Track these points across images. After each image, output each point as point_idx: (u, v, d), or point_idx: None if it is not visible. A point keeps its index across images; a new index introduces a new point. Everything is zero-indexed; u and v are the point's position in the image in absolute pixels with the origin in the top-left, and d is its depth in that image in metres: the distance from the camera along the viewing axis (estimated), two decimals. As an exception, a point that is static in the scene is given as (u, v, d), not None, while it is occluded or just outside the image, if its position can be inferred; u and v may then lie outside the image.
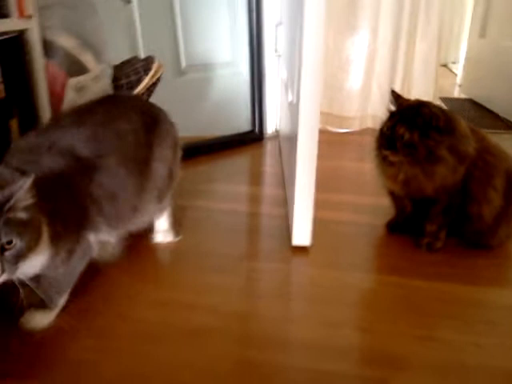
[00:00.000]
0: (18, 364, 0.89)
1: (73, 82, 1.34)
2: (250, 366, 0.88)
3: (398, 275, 1.19)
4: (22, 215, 0.79)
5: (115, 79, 1.47)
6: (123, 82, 1.48)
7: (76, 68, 1.37)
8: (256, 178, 1.91)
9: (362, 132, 2.37)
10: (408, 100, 1.24)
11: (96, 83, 1.41)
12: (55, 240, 0.89)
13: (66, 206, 0.95)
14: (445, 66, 4.50)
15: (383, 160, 1.23)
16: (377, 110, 2.38)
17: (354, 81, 2.38)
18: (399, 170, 1.22)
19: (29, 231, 0.80)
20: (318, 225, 1.31)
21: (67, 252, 0.94)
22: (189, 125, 2.15)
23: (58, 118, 1.15)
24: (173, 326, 0.98)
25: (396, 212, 1.41)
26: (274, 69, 2.22)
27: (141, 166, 1.11)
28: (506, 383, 0.88)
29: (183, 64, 2.17)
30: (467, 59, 3.55)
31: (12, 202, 0.76)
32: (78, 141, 0.99)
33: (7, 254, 0.77)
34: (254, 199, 1.68)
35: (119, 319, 1.01)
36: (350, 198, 1.65)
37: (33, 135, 0.99)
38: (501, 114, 2.80)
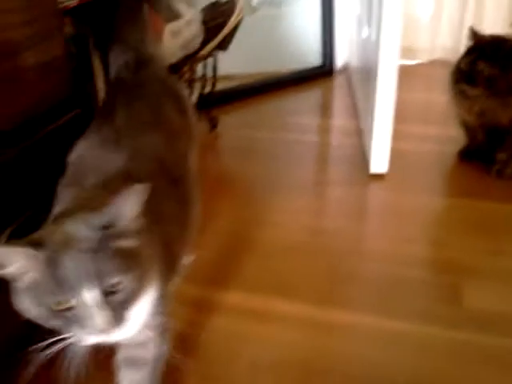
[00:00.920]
0: None
1: (169, 27, 1.47)
2: (337, 272, 1.05)
3: (468, 198, 1.31)
4: (130, 242, 0.55)
5: (204, 22, 1.60)
6: (211, 25, 1.60)
7: (171, 14, 1.49)
8: (327, 110, 2.03)
9: (431, 63, 2.38)
10: (484, 36, 1.30)
11: (188, 27, 1.54)
12: (163, 274, 0.64)
13: (171, 226, 0.73)
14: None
15: (460, 94, 1.32)
16: (446, 41, 2.37)
17: (423, 11, 2.37)
18: (475, 102, 1.30)
19: (139, 264, 0.56)
20: (394, 153, 1.42)
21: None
22: (261, 61, 2.26)
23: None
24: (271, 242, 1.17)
25: (468, 141, 1.50)
26: (344, 2, 2.25)
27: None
28: None
29: (254, 0, 2.24)
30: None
31: (117, 224, 0.54)
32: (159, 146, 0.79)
33: (114, 299, 0.53)
34: (327, 130, 1.81)
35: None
36: (419, 128, 1.74)
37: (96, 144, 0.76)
38: None
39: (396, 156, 1.49)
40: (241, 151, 1.62)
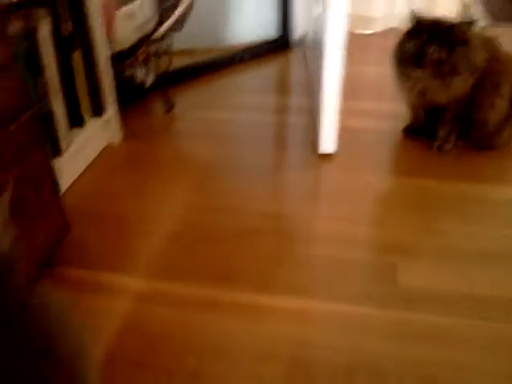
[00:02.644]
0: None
1: (123, 10, 1.47)
2: (285, 257, 1.13)
3: (411, 176, 1.39)
4: None
5: (157, 3, 1.60)
6: (164, 6, 1.60)
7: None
8: (283, 87, 2.06)
9: (386, 33, 2.42)
10: (425, 18, 1.34)
11: (142, 10, 1.53)
12: None
13: None
14: None
15: (404, 74, 1.37)
16: (402, 10, 2.40)
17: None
18: (417, 83, 1.36)
19: None
20: (342, 131, 1.48)
21: None
22: (214, 35, 2.27)
23: None
24: (224, 228, 1.23)
25: (412, 118, 1.56)
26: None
27: None
28: (495, 263, 1.10)
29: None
30: None
31: None
32: None
33: None
34: (281, 109, 1.84)
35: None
36: (371, 104, 1.80)
37: None
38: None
39: (346, 134, 1.56)
40: (196, 134, 1.65)
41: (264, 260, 1.10)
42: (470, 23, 1.29)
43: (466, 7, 2.53)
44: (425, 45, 1.30)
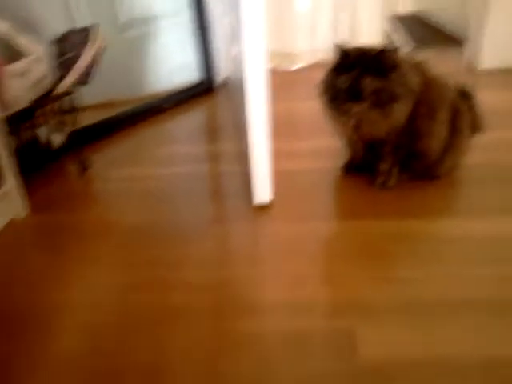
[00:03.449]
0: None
1: (12, 68, 1.28)
2: (226, 340, 0.95)
3: (355, 218, 1.26)
4: None
5: (59, 55, 1.43)
6: (68, 56, 1.43)
7: (13, 53, 1.31)
8: (211, 133, 1.91)
9: (313, 67, 2.36)
10: (351, 49, 1.24)
11: (38, 65, 1.36)
12: None
13: None
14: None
15: (341, 111, 1.25)
16: (326, 43, 2.36)
17: (301, 14, 2.33)
18: (352, 117, 1.25)
19: None
20: (278, 176, 1.35)
21: None
22: (134, 85, 2.12)
23: None
24: (150, 309, 1.04)
25: (350, 154, 1.45)
26: (219, 13, 2.15)
27: None
28: (463, 312, 0.97)
29: (122, 19, 2.08)
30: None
31: None
32: None
33: None
34: (211, 158, 1.69)
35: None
36: (307, 143, 1.68)
37: None
38: (446, 29, 2.80)
39: (283, 179, 1.43)
40: (118, 195, 1.47)
41: (200, 347, 0.92)
42: (395, 48, 1.20)
43: (388, 35, 2.53)
44: (359, 78, 1.19)
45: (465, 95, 1.37)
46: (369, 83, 1.18)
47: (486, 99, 1.44)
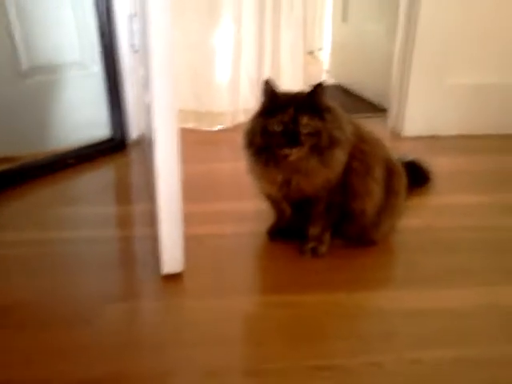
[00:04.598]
0: None
1: None
2: None
3: (283, 292, 1.06)
4: None
5: None
6: None
7: None
8: (122, 193, 1.68)
9: (235, 128, 2.23)
10: (282, 92, 1.10)
11: None
12: None
13: None
14: (312, 53, 4.55)
15: (272, 162, 1.08)
16: (248, 103, 2.26)
17: (221, 74, 2.23)
18: (282, 170, 1.08)
19: None
20: (193, 242, 1.16)
21: None
22: (36, 137, 1.86)
23: None
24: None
25: (276, 217, 1.28)
26: (132, 66, 1.99)
27: None
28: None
29: (24, 66, 1.85)
30: (332, 45, 3.58)
31: None
32: None
33: None
34: (123, 220, 1.46)
35: None
36: (228, 205, 1.49)
37: None
38: (367, 97, 2.83)
39: (199, 245, 1.22)
40: (9, 266, 1.17)
41: None
42: (322, 86, 1.06)
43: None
44: (295, 118, 1.03)
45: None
46: (306, 123, 1.03)
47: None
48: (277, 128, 1.05)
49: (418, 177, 1.47)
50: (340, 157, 1.08)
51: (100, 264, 1.18)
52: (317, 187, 1.11)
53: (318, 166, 1.06)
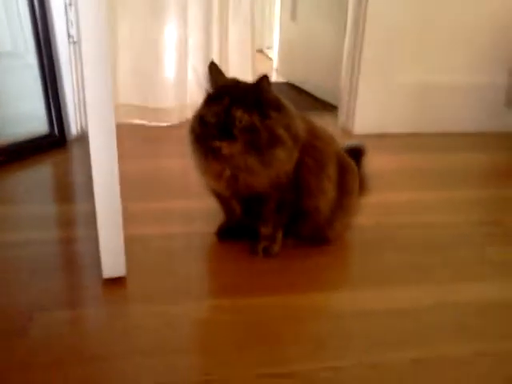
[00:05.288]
0: None
1: None
2: None
3: (233, 295, 1.00)
4: None
5: None
6: None
7: None
8: (61, 192, 1.57)
9: (182, 125, 2.15)
10: (226, 78, 1.05)
11: None
12: None
13: None
14: (261, 51, 4.52)
15: (210, 155, 1.02)
16: (195, 100, 2.18)
17: (167, 69, 2.15)
18: (225, 165, 1.02)
19: None
20: (137, 244, 1.09)
21: None
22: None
23: None
24: None
25: (226, 216, 1.22)
26: (71, 58, 1.87)
27: None
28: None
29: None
30: (281, 43, 3.56)
31: None
32: None
33: None
34: (61, 221, 1.35)
35: None
36: (175, 203, 1.41)
37: None
38: (317, 95, 2.83)
39: (143, 246, 1.14)
40: None
41: None
42: (266, 79, 0.98)
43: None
44: (229, 109, 0.97)
45: (355, 153, 1.24)
46: (240, 116, 0.97)
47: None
48: (211, 118, 0.99)
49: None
50: (282, 157, 1.01)
51: (36, 268, 1.08)
52: (263, 186, 1.05)
53: (258, 165, 1.00)
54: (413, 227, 1.33)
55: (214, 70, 1.03)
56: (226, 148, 0.98)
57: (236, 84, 1.03)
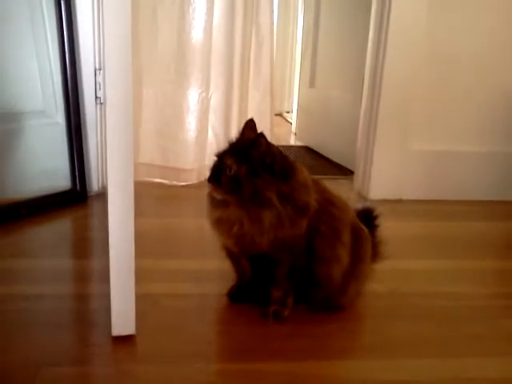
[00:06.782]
0: None
1: None
2: None
3: (242, 360, 0.99)
4: None
5: None
6: None
7: None
8: (79, 247, 1.60)
9: (201, 185, 2.20)
10: (251, 133, 1.08)
11: None
12: None
13: None
14: (280, 115, 4.65)
15: (213, 201, 1.07)
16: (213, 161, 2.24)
17: (188, 131, 2.23)
18: (233, 219, 1.04)
19: None
20: (148, 302, 1.09)
21: None
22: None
23: None
24: None
25: (237, 276, 1.22)
26: (97, 118, 1.96)
27: None
28: None
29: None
30: (299, 108, 3.67)
31: None
32: None
33: None
34: (76, 276, 1.37)
35: None
36: (190, 263, 1.42)
37: None
38: (334, 160, 2.87)
39: (155, 305, 1.15)
40: None
41: None
42: (260, 137, 1.01)
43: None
44: (223, 156, 1.03)
45: (367, 216, 1.25)
46: (229, 165, 1.01)
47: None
48: (213, 163, 1.06)
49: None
50: (269, 219, 1.01)
51: (46, 323, 1.09)
52: (264, 245, 1.04)
53: (246, 220, 1.02)
54: (427, 297, 1.30)
55: (249, 125, 1.09)
56: (213, 191, 1.04)
57: (246, 139, 1.07)
